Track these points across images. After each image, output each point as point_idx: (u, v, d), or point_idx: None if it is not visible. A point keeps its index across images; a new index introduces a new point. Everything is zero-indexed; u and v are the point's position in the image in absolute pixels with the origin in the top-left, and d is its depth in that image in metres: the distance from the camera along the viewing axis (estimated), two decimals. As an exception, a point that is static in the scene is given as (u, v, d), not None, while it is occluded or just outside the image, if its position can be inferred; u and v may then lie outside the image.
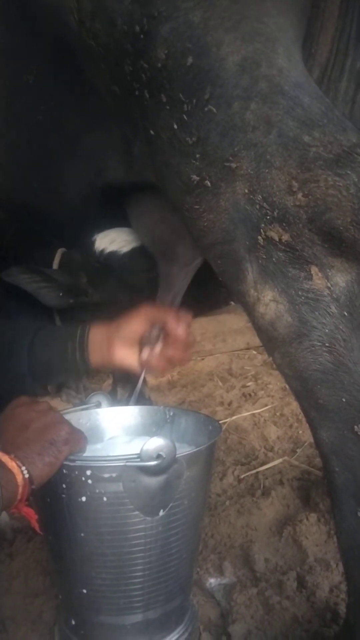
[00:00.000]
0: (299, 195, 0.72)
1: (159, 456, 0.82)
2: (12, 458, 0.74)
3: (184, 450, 0.91)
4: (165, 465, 0.84)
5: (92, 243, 1.43)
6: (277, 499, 1.44)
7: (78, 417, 1.13)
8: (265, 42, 0.73)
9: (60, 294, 1.44)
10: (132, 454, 0.83)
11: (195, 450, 0.92)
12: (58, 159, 1.16)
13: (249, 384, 2.35)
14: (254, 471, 1.59)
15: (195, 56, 0.73)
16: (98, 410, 1.18)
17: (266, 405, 2.08)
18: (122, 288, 1.49)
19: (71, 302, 1.46)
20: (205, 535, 1.32)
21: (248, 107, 0.73)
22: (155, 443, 0.82)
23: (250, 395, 2.23)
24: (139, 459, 0.82)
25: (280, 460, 1.65)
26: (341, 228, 0.70)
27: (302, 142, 0.71)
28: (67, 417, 0.89)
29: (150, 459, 0.82)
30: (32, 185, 1.23)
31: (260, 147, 0.74)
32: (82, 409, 1.16)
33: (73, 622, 0.96)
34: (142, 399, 1.94)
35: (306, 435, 1.80)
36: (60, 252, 1.54)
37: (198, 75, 0.74)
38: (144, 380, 2.11)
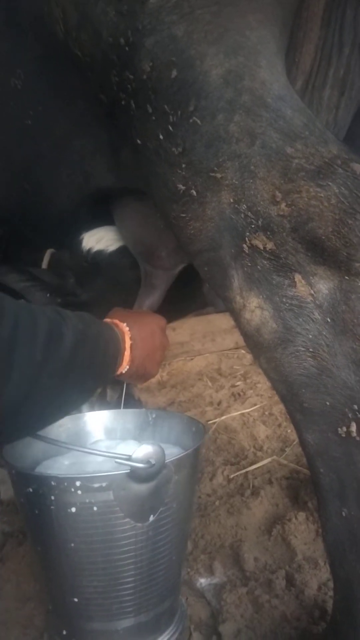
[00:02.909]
0: (283, 205, 0.74)
1: (148, 462, 0.83)
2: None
3: (171, 453, 0.93)
4: (155, 471, 0.85)
5: (80, 242, 1.44)
6: (266, 498, 1.46)
7: (59, 424, 1.13)
8: (247, 55, 0.75)
9: (48, 294, 1.45)
10: (123, 455, 0.84)
11: (183, 454, 0.93)
12: (47, 163, 1.17)
13: (238, 383, 2.37)
14: (243, 471, 1.61)
15: (179, 69, 0.75)
16: (80, 414, 1.19)
17: (255, 405, 2.10)
18: (110, 287, 1.50)
19: (59, 302, 1.47)
20: (196, 535, 1.33)
21: (232, 119, 0.75)
22: (145, 450, 0.83)
23: (239, 394, 2.24)
24: (129, 466, 0.83)
25: (270, 459, 1.66)
26: (323, 237, 0.72)
27: (284, 154, 0.73)
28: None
29: (141, 463, 0.83)
30: (21, 187, 1.23)
31: (244, 158, 0.75)
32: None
33: (64, 632, 0.96)
34: (131, 400, 1.96)
35: (294, 434, 1.80)
36: (49, 252, 1.55)
37: (182, 87, 0.75)
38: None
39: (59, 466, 1.01)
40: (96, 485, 0.84)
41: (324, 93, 1.04)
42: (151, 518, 0.88)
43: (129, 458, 0.83)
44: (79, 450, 0.93)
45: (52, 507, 0.86)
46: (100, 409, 1.27)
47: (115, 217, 1.30)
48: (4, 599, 1.16)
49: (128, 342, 0.93)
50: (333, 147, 0.72)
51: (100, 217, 1.35)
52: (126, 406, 1.67)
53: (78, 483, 0.84)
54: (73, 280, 1.51)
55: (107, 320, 0.97)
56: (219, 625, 1.05)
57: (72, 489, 0.84)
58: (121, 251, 1.42)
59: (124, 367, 0.94)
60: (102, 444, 1.14)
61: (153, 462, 0.84)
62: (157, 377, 2.53)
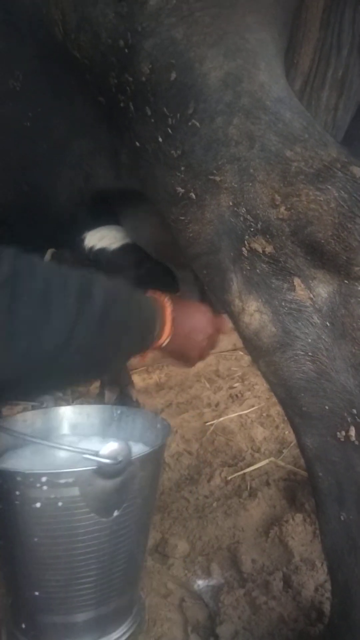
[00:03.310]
0: (282, 209, 0.74)
1: (115, 459, 0.84)
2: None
3: (135, 450, 0.94)
4: (122, 468, 0.86)
5: (82, 240, 1.44)
6: (264, 500, 1.46)
7: (24, 418, 1.14)
8: (247, 57, 0.75)
9: None
10: (90, 453, 0.85)
11: (149, 451, 0.94)
12: (47, 164, 1.16)
13: (236, 385, 2.37)
14: (241, 472, 1.61)
15: (178, 71, 0.74)
16: (45, 409, 1.19)
17: (253, 407, 2.10)
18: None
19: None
20: (193, 537, 1.33)
21: (231, 122, 0.74)
22: (112, 446, 0.84)
23: (237, 396, 2.25)
24: (96, 462, 0.84)
25: (267, 461, 1.67)
26: (322, 241, 0.72)
27: (284, 157, 0.73)
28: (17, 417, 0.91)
29: (108, 461, 0.84)
30: (20, 188, 1.23)
31: (243, 161, 0.75)
32: (32, 409, 1.18)
33: (23, 625, 0.97)
34: (128, 401, 1.95)
35: (292, 435, 1.81)
36: (50, 251, 1.55)
37: (182, 90, 0.75)
38: (131, 383, 2.11)
39: (21, 459, 1.01)
40: (62, 481, 0.84)
41: (323, 94, 1.03)
42: (115, 513, 0.89)
43: (97, 454, 0.84)
44: (47, 445, 0.93)
45: (16, 502, 0.86)
46: (66, 404, 1.28)
47: (125, 221, 1.30)
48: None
49: (169, 315, 0.93)
50: (332, 150, 0.72)
51: (102, 218, 1.35)
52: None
53: (44, 479, 0.84)
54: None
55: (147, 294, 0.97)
56: (217, 627, 1.05)
57: (38, 485, 0.84)
58: (124, 249, 1.42)
59: (165, 340, 0.93)
60: (67, 440, 1.15)
61: (120, 458, 0.85)
62: (155, 378, 2.54)
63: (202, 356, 1.07)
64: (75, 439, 1.14)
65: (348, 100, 1.06)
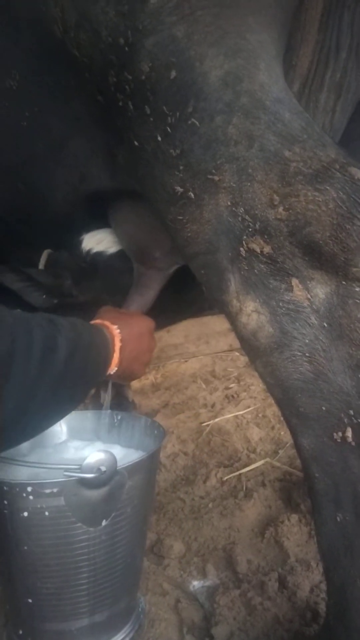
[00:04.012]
0: (280, 209, 0.74)
1: (99, 470, 0.85)
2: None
3: (128, 458, 0.95)
4: (106, 478, 0.86)
5: (79, 243, 1.43)
6: (259, 501, 1.46)
7: None
8: (247, 57, 0.75)
9: (44, 295, 1.44)
10: (72, 466, 0.85)
11: (136, 460, 0.94)
12: (42, 164, 1.16)
13: (232, 385, 2.37)
14: (237, 473, 1.61)
15: (178, 70, 0.74)
16: None
17: (249, 407, 2.10)
18: (107, 289, 1.49)
19: (55, 303, 1.46)
20: (189, 538, 1.33)
21: (230, 121, 0.74)
22: (96, 457, 0.85)
23: (233, 397, 2.25)
24: (79, 473, 0.84)
25: (263, 461, 1.67)
26: (320, 242, 0.72)
27: (282, 157, 0.73)
28: None
29: (91, 472, 0.84)
30: (16, 187, 1.22)
31: (242, 161, 0.75)
32: None
33: (20, 632, 0.98)
34: (124, 402, 1.95)
35: (287, 436, 1.83)
36: (46, 253, 1.54)
37: (181, 88, 0.75)
38: (127, 384, 2.10)
39: (13, 468, 1.01)
40: (47, 491, 0.85)
41: (321, 96, 1.04)
42: (104, 522, 0.89)
43: (79, 468, 0.84)
44: (27, 465, 0.94)
45: (5, 510, 0.87)
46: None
47: (110, 216, 1.29)
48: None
49: (118, 345, 0.95)
50: (331, 151, 0.72)
51: (99, 218, 1.35)
52: (120, 408, 1.67)
53: (29, 489, 0.85)
54: (70, 281, 1.50)
55: (98, 321, 0.99)
56: (212, 628, 1.05)
57: (24, 494, 0.85)
58: (121, 254, 1.42)
59: (113, 369, 0.96)
60: (70, 444, 1.15)
61: (104, 469, 0.85)
62: (151, 379, 2.53)
63: (144, 371, 1.10)
64: (79, 444, 1.15)
65: (346, 103, 1.07)
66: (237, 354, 2.70)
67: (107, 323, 0.97)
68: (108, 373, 0.96)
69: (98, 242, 1.42)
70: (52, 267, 1.52)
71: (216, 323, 2.68)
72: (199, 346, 2.76)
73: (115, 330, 0.96)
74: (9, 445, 0.74)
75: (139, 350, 1.02)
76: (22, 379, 0.66)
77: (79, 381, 0.83)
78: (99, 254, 1.42)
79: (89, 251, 1.42)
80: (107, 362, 0.93)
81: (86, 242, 1.42)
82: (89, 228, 1.42)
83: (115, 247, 1.42)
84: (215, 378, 2.50)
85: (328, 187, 0.70)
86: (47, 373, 0.70)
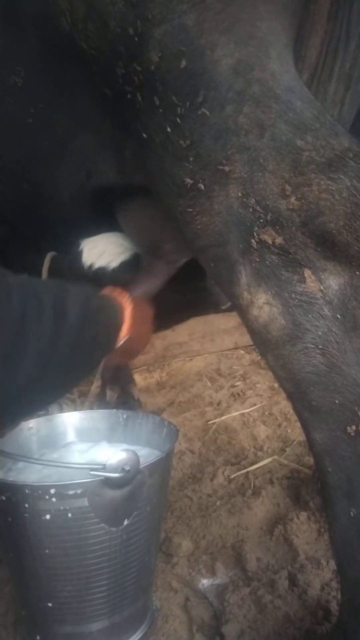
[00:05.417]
0: (292, 199, 0.73)
1: (123, 469, 0.84)
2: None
3: (141, 455, 0.93)
4: (130, 477, 0.85)
5: (80, 254, 1.42)
6: (268, 498, 1.45)
7: (29, 426, 1.13)
8: (258, 45, 0.74)
9: None
10: (96, 466, 0.84)
11: (157, 458, 0.93)
12: (48, 161, 1.15)
13: (238, 383, 2.36)
14: (244, 471, 1.60)
15: (189, 59, 0.73)
16: (50, 416, 1.18)
17: (255, 405, 2.09)
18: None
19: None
20: (197, 536, 1.32)
21: (241, 110, 0.73)
22: (119, 456, 0.84)
23: (239, 394, 2.23)
24: (104, 472, 0.83)
25: (270, 459, 1.65)
26: (334, 232, 0.71)
27: (295, 146, 0.72)
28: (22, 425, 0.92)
29: (116, 472, 0.83)
30: (21, 186, 1.22)
31: (253, 151, 0.74)
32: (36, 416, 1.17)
33: (38, 637, 0.96)
34: (130, 400, 1.94)
35: (295, 434, 1.81)
36: (49, 256, 1.53)
37: (192, 78, 0.74)
38: (133, 382, 2.10)
39: (32, 471, 1.00)
40: (71, 492, 0.83)
41: (330, 87, 1.02)
42: (125, 522, 0.89)
43: (104, 467, 0.83)
44: (52, 465, 0.93)
45: (26, 514, 0.85)
46: (69, 410, 1.26)
47: (118, 213, 1.28)
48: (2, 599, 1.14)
49: (129, 312, 0.95)
50: (344, 140, 0.71)
51: (102, 221, 1.33)
52: (125, 407, 1.66)
53: (52, 490, 0.83)
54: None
55: (108, 293, 0.98)
56: (222, 626, 1.04)
57: (47, 497, 0.83)
58: (123, 267, 1.41)
59: (120, 340, 0.95)
60: (75, 447, 1.13)
61: (128, 468, 0.84)
62: (157, 377, 2.52)
63: (144, 349, 1.10)
64: (85, 446, 1.13)
65: (355, 94, 1.05)
66: (242, 352, 2.69)
67: (116, 293, 0.97)
68: (118, 342, 0.94)
69: (99, 255, 1.41)
70: (54, 275, 1.50)
71: (221, 321, 2.67)
72: (204, 344, 2.75)
73: (125, 301, 0.96)
74: (26, 411, 0.73)
75: (143, 327, 1.02)
76: (38, 341, 0.65)
77: (93, 350, 0.81)
78: (102, 270, 1.41)
79: (90, 266, 1.41)
80: (117, 328, 0.92)
81: (87, 255, 1.40)
82: (89, 231, 1.40)
83: (116, 260, 1.41)
84: (220, 376, 2.49)
85: (342, 176, 0.69)
86: (61, 334, 0.69)
